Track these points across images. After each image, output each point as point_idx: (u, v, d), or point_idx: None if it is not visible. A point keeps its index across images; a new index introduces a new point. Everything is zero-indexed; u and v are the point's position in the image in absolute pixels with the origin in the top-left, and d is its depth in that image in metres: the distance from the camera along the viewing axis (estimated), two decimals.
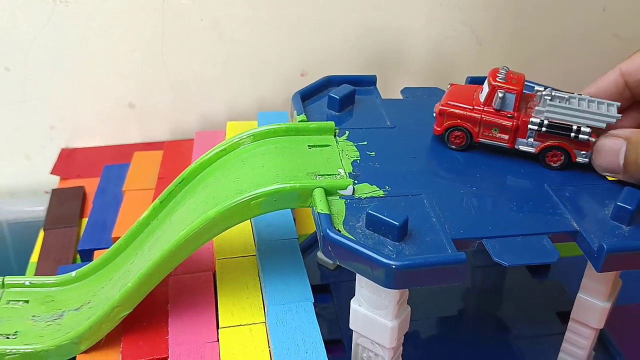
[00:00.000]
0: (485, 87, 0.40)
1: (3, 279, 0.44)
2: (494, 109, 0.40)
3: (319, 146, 0.41)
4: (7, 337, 0.40)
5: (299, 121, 0.42)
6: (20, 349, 0.39)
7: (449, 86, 0.43)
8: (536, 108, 0.39)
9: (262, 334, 0.38)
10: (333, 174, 0.38)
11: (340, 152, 0.40)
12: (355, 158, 0.40)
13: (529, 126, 0.39)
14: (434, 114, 0.41)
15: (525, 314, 0.48)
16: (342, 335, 0.46)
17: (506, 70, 0.40)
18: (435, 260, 0.31)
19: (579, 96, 0.39)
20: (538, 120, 0.39)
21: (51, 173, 0.63)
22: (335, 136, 0.42)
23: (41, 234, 0.55)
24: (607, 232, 0.35)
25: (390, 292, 0.34)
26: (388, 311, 0.35)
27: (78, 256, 0.52)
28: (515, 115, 0.39)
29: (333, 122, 0.42)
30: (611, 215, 0.35)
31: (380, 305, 0.35)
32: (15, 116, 0.66)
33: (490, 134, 0.40)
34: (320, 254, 0.52)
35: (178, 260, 0.38)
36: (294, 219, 0.46)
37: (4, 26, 0.61)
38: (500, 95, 0.39)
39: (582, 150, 0.39)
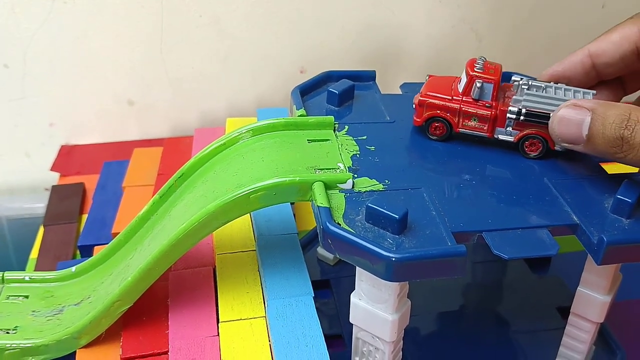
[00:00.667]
0: (464, 78, 0.40)
1: (3, 275, 0.44)
2: (472, 98, 0.40)
3: (319, 140, 0.41)
4: (7, 332, 0.40)
5: (299, 116, 0.42)
6: (20, 343, 0.39)
7: (427, 77, 0.43)
8: (514, 97, 0.39)
9: (262, 328, 0.38)
10: (333, 168, 0.38)
11: (339, 146, 0.40)
12: (354, 152, 0.40)
13: (508, 115, 0.39)
14: (414, 105, 0.42)
15: (526, 309, 0.48)
16: (342, 331, 0.46)
17: (483, 61, 0.40)
18: (435, 252, 0.31)
19: (556, 85, 0.39)
20: (516, 109, 0.39)
21: (51, 170, 0.63)
22: (334, 131, 0.42)
23: (41, 230, 0.55)
24: (607, 225, 0.35)
25: (391, 285, 0.34)
26: (388, 305, 0.35)
27: (78, 252, 0.52)
28: (494, 104, 0.40)
29: (332, 117, 0.42)
30: (611, 208, 0.35)
31: (381, 299, 0.35)
32: (15, 113, 0.66)
33: (470, 124, 0.40)
34: (320, 250, 0.52)
35: (178, 255, 0.38)
36: (294, 215, 0.46)
37: (3, 23, 0.61)
38: (478, 85, 0.39)
39: None
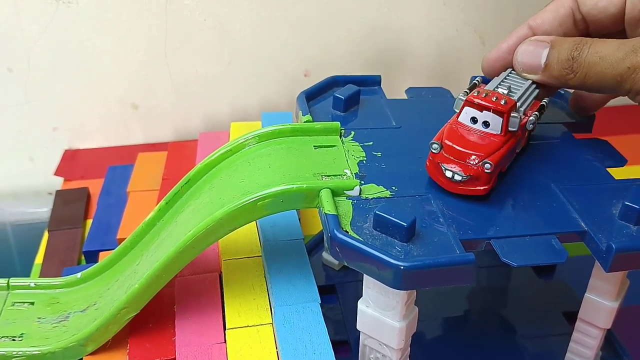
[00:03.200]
0: (492, 119, 0.37)
1: (8, 281, 0.44)
2: (510, 132, 0.37)
3: (325, 147, 0.41)
4: (13, 339, 0.40)
5: (305, 122, 0.42)
6: (26, 351, 0.39)
7: (434, 145, 0.37)
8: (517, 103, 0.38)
9: (269, 335, 0.38)
10: (339, 175, 0.38)
11: (346, 152, 0.40)
12: (361, 158, 0.40)
13: (529, 125, 0.39)
14: (464, 177, 0.36)
15: (531, 314, 0.48)
16: (348, 336, 0.46)
17: (486, 94, 0.37)
18: (444, 260, 0.31)
19: (505, 75, 0.41)
20: (533, 118, 0.39)
21: (55, 174, 0.63)
22: (340, 137, 0.42)
23: (45, 235, 0.55)
24: (615, 231, 0.34)
25: (398, 292, 0.34)
26: (396, 312, 0.35)
27: (83, 257, 0.52)
28: (520, 124, 0.38)
29: (339, 123, 0.42)
30: (619, 214, 0.35)
31: (388, 306, 0.35)
32: (18, 117, 0.66)
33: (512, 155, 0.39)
34: (325, 255, 0.52)
35: (185, 262, 0.38)
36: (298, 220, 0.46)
37: (7, 27, 0.61)
38: (515, 116, 0.37)
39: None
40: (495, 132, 0.37)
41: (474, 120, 0.37)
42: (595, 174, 0.40)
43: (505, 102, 0.37)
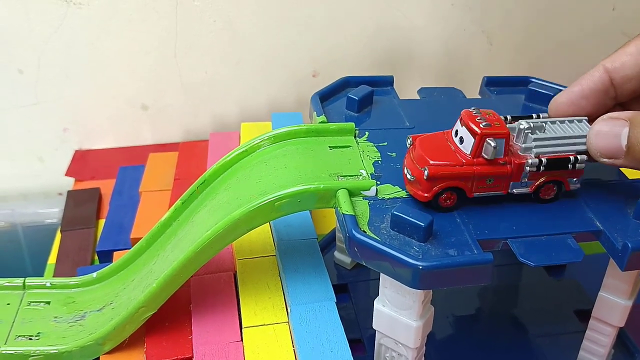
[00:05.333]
0: (467, 136, 0.35)
1: (24, 280, 0.44)
2: (484, 159, 0.35)
3: (340, 147, 0.41)
4: (30, 339, 0.40)
5: (319, 122, 0.43)
6: (44, 350, 0.39)
7: (409, 140, 0.38)
8: (522, 145, 0.36)
9: (285, 334, 0.38)
10: (355, 175, 0.38)
11: (361, 153, 0.41)
12: (376, 159, 0.40)
13: (527, 169, 0.35)
14: (412, 177, 0.36)
15: (543, 312, 0.49)
16: (361, 335, 0.46)
17: (479, 111, 0.36)
18: (462, 260, 0.32)
19: (550, 121, 0.37)
20: (536, 161, 0.35)
21: (66, 175, 0.64)
22: (355, 137, 0.42)
23: (58, 235, 0.56)
24: (630, 230, 0.35)
25: (415, 292, 0.34)
26: (412, 311, 0.35)
27: (96, 257, 0.52)
28: (508, 159, 0.35)
29: (353, 123, 0.42)
30: (634, 214, 0.36)
31: (405, 305, 0.35)
32: (28, 118, 0.66)
33: (484, 186, 0.36)
34: (337, 254, 0.52)
35: (202, 261, 0.38)
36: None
37: (18, 28, 0.61)
38: (492, 144, 0.34)
39: (575, 177, 0.37)
40: (465, 151, 0.35)
41: (456, 132, 0.36)
42: (609, 173, 0.40)
43: (486, 125, 0.35)
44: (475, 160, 0.35)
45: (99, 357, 0.40)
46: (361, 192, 0.37)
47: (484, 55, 0.72)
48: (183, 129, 0.69)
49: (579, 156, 0.36)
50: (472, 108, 0.36)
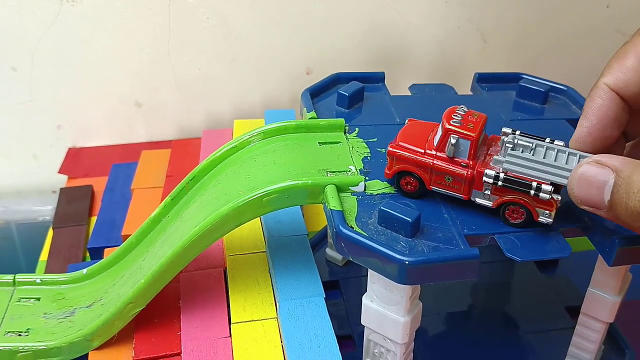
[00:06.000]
0: (439, 130, 0.35)
1: (14, 277, 0.44)
2: (447, 156, 0.35)
3: (330, 143, 0.41)
4: (19, 335, 0.40)
5: (309, 118, 0.43)
6: (33, 346, 0.39)
7: (407, 122, 0.39)
8: (495, 157, 0.34)
9: (274, 329, 0.38)
10: (344, 171, 0.38)
11: (350, 148, 0.41)
12: (365, 155, 0.40)
13: (484, 179, 0.34)
14: (384, 151, 0.37)
15: (534, 309, 0.49)
16: (352, 331, 0.46)
17: (464, 111, 0.36)
18: (449, 255, 0.32)
19: (549, 144, 0.34)
20: (493, 173, 0.34)
21: (59, 172, 0.63)
22: (345, 133, 0.42)
23: (50, 232, 0.56)
24: (618, 226, 0.34)
25: (403, 287, 0.34)
26: (400, 307, 0.35)
27: (88, 254, 0.52)
28: (470, 164, 0.34)
29: (343, 119, 0.42)
30: None
31: (393, 301, 0.35)
32: (22, 116, 0.66)
33: (444, 182, 0.35)
34: (328, 251, 0.52)
35: (190, 257, 0.38)
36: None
37: (11, 26, 0.61)
38: (452, 141, 0.34)
39: (546, 210, 0.34)
40: (434, 144, 0.36)
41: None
42: None
43: (456, 123, 0.34)
44: (437, 153, 0.35)
45: (88, 353, 0.40)
46: (349, 187, 0.37)
47: (479, 53, 0.72)
48: (177, 126, 0.69)
49: (544, 185, 0.33)
50: (462, 107, 0.36)
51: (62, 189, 0.60)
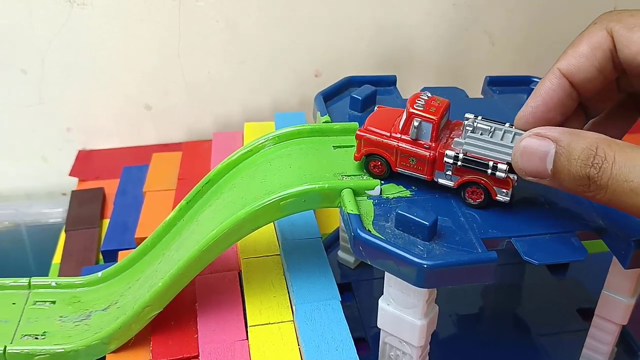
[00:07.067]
0: (404, 114, 0.37)
1: (30, 280, 0.44)
2: (410, 138, 0.37)
3: (344, 147, 0.41)
4: (36, 338, 0.41)
5: (323, 122, 0.43)
6: (50, 349, 0.39)
7: (376, 109, 0.41)
8: (455, 139, 0.36)
9: (291, 332, 0.38)
10: (359, 175, 0.39)
11: None
12: None
13: (445, 159, 0.36)
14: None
15: (546, 311, 0.49)
16: (365, 334, 0.46)
17: (427, 97, 0.37)
18: (467, 259, 0.32)
19: (507, 128, 0.36)
20: (453, 154, 0.36)
21: (70, 175, 0.64)
22: None
23: (62, 235, 0.56)
24: (632, 228, 0.35)
25: (420, 291, 0.34)
26: (417, 310, 0.35)
27: (101, 257, 0.52)
28: (432, 146, 0.36)
29: (357, 123, 0.42)
30: None
31: (409, 304, 0.35)
32: (32, 118, 0.66)
33: (408, 164, 0.37)
34: (340, 253, 0.52)
35: (208, 260, 0.38)
36: None
37: (21, 29, 0.61)
38: (415, 124, 0.36)
39: (503, 188, 0.36)
40: (399, 127, 0.37)
41: None
42: None
43: (420, 107, 0.36)
44: (401, 136, 0.37)
45: (104, 356, 0.40)
46: (365, 191, 0.37)
47: (486, 55, 0.72)
48: (186, 129, 0.69)
49: (499, 164, 0.35)
50: (426, 92, 0.38)
51: (73, 192, 0.60)
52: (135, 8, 0.62)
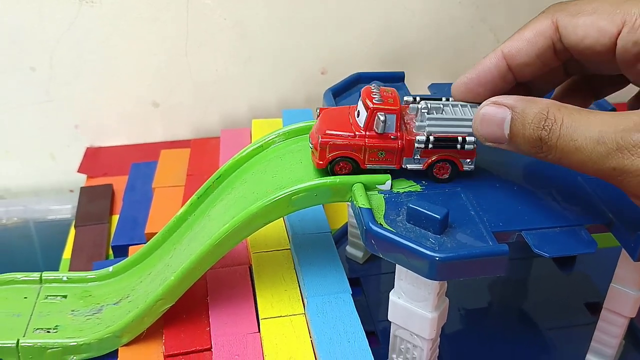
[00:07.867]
0: (362, 111, 0.37)
1: (41, 275, 0.45)
2: (376, 132, 0.37)
3: None
4: (48, 331, 0.41)
5: None
6: (62, 342, 0.40)
7: (317, 111, 0.40)
8: (417, 124, 0.37)
9: (302, 325, 0.39)
10: None
11: None
12: None
13: (416, 145, 0.37)
14: (311, 146, 0.38)
15: (554, 305, 0.49)
16: (375, 327, 0.46)
17: (378, 88, 0.38)
18: (479, 252, 0.32)
19: (452, 103, 0.38)
20: (424, 137, 0.37)
21: (78, 171, 0.64)
22: None
23: (72, 231, 0.56)
24: None
25: (431, 283, 0.35)
26: (428, 303, 0.36)
27: (111, 252, 0.53)
28: (399, 135, 0.37)
29: None
30: None
31: (420, 297, 0.36)
32: (40, 116, 0.67)
33: (377, 158, 0.37)
34: (349, 248, 0.53)
35: (220, 255, 0.39)
36: None
37: (30, 26, 0.62)
38: (382, 118, 0.36)
39: (467, 159, 0.38)
40: (360, 124, 0.37)
41: (358, 111, 0.38)
42: None
43: (379, 101, 0.36)
44: (367, 133, 0.37)
45: (116, 350, 0.40)
46: (376, 186, 0.37)
47: None
48: (193, 126, 0.70)
49: (467, 137, 0.37)
50: (373, 85, 0.38)
51: (82, 188, 0.60)
52: (144, 6, 0.62)
